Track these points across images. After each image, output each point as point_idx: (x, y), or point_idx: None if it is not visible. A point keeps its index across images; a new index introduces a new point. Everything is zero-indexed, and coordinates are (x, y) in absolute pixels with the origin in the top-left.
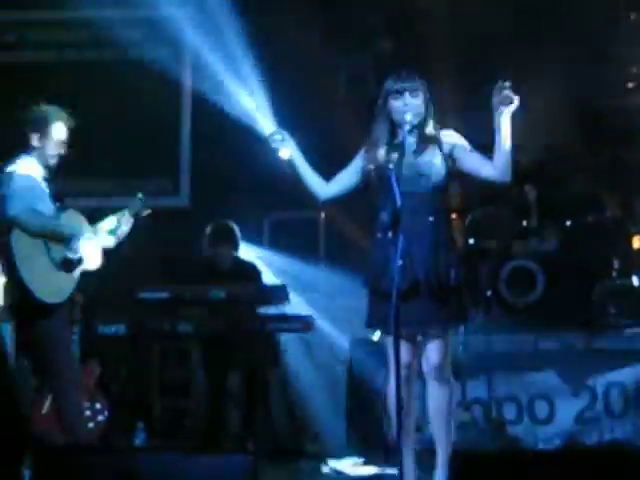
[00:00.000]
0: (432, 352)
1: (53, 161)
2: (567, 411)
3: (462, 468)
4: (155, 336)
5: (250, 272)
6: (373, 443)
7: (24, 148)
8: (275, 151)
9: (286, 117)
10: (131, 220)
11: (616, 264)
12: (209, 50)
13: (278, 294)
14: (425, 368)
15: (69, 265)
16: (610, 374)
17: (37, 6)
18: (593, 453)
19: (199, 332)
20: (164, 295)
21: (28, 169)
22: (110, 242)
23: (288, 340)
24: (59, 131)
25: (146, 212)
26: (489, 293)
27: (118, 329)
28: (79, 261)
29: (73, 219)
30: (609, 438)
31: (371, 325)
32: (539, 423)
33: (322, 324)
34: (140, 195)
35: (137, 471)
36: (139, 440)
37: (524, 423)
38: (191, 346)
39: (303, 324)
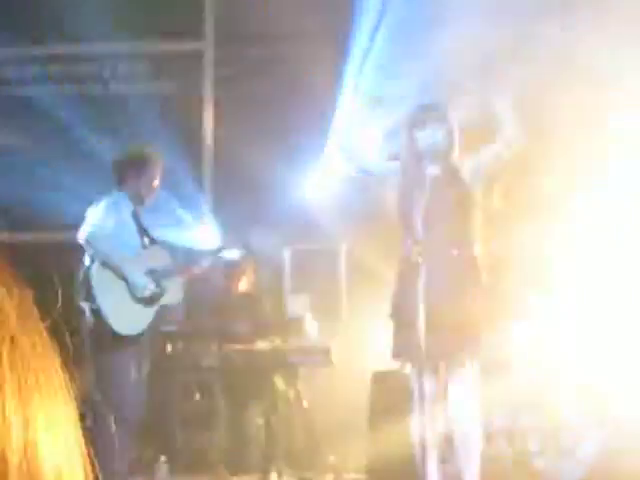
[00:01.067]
0: (456, 383)
1: (147, 199)
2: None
3: None
4: (177, 369)
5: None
6: (396, 475)
7: (118, 185)
8: None
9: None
10: (209, 260)
11: None
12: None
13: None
14: (450, 399)
15: (149, 298)
16: None
17: (56, 40)
18: None
19: (221, 365)
20: (187, 329)
21: (115, 203)
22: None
23: (309, 371)
24: (157, 171)
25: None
26: None
27: None
28: (159, 295)
29: (156, 255)
30: None
31: (396, 356)
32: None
33: (343, 356)
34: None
35: None
36: (161, 474)
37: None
38: (213, 379)
39: (323, 357)
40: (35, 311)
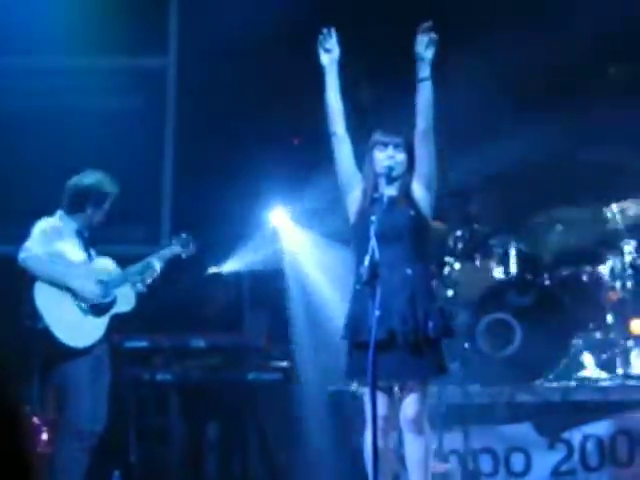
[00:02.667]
0: (409, 404)
1: (94, 226)
2: (543, 464)
3: None
4: (133, 384)
5: (235, 321)
6: None
7: (68, 208)
8: (318, 50)
9: (272, 169)
10: (159, 264)
11: (593, 317)
12: (191, 100)
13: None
14: (402, 420)
15: (98, 309)
16: (586, 427)
17: (26, 53)
18: None
19: (178, 381)
20: (143, 344)
21: (56, 220)
22: (140, 285)
23: (267, 391)
24: (110, 202)
25: (187, 253)
26: (466, 345)
27: None
28: (109, 305)
29: (104, 265)
30: None
31: (349, 376)
32: (515, 476)
33: (301, 374)
34: (184, 236)
35: None
36: None
37: (500, 475)
38: (169, 394)
39: (284, 375)
40: None
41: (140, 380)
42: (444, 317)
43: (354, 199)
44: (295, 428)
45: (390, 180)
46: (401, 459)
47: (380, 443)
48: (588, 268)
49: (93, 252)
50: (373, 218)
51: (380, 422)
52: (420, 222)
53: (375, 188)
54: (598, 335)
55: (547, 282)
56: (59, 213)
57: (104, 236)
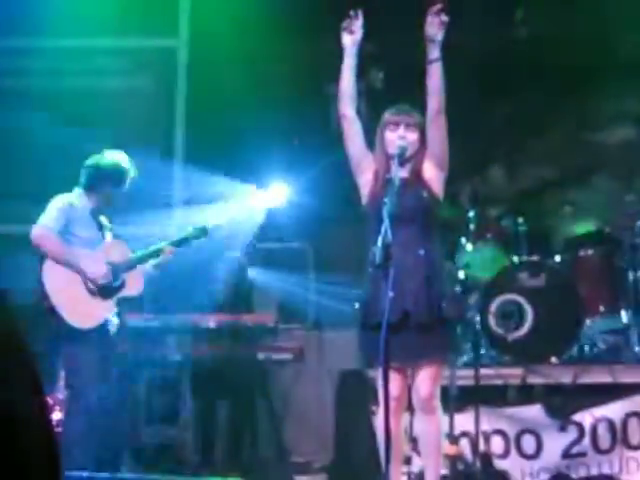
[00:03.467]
0: (421, 385)
1: (111, 205)
2: (554, 446)
3: None
4: (143, 364)
5: (245, 302)
6: (360, 475)
7: (87, 186)
8: (342, 31)
9: (278, 149)
10: (172, 249)
11: (605, 300)
12: (200, 81)
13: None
14: (414, 400)
15: (106, 291)
16: (597, 409)
17: (35, 34)
18: None
19: (187, 361)
20: (154, 324)
21: (73, 197)
22: (151, 269)
23: (277, 370)
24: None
25: (200, 237)
26: (478, 326)
27: None
28: (118, 288)
29: (116, 247)
30: (596, 473)
31: (363, 357)
32: (526, 458)
33: (311, 355)
34: (201, 226)
35: None
36: (125, 469)
37: (511, 457)
38: (180, 375)
39: (293, 354)
40: None
41: (150, 360)
42: (457, 298)
43: (366, 181)
44: (305, 408)
45: (402, 161)
46: (412, 441)
47: (392, 424)
48: (600, 250)
49: (108, 233)
50: (385, 200)
51: (392, 403)
52: (432, 203)
53: (387, 169)
54: (610, 317)
55: (559, 264)
56: (77, 191)
57: (120, 218)
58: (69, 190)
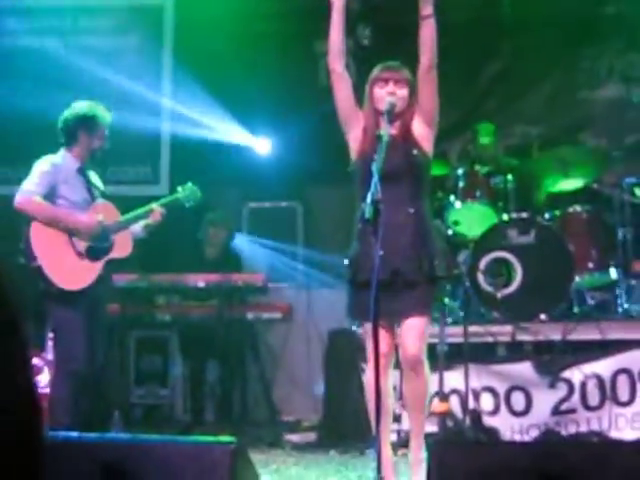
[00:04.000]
0: (408, 341)
1: (95, 155)
2: (544, 403)
3: (440, 456)
4: (132, 325)
5: (235, 261)
6: (349, 432)
7: (65, 142)
8: None
9: (266, 107)
10: (161, 210)
11: (594, 257)
12: (188, 39)
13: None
14: (401, 356)
15: (94, 253)
16: (587, 366)
17: None
18: (570, 445)
19: (177, 321)
20: (142, 284)
21: (57, 158)
22: (140, 231)
23: (266, 329)
24: (105, 129)
25: (191, 203)
26: (467, 284)
27: None
28: (106, 250)
29: (104, 209)
30: (585, 430)
31: (351, 315)
32: (516, 415)
33: (300, 314)
34: (190, 185)
35: (116, 460)
36: (116, 429)
37: (501, 414)
38: (168, 335)
39: (282, 313)
40: None
41: (139, 321)
42: (447, 256)
43: (355, 137)
44: (295, 367)
45: (391, 117)
46: (401, 399)
47: (381, 381)
48: (589, 207)
49: (96, 193)
50: (375, 157)
51: (381, 360)
52: (422, 160)
53: (376, 126)
54: (599, 274)
55: (548, 221)
56: (61, 151)
57: (102, 176)
58: (53, 152)
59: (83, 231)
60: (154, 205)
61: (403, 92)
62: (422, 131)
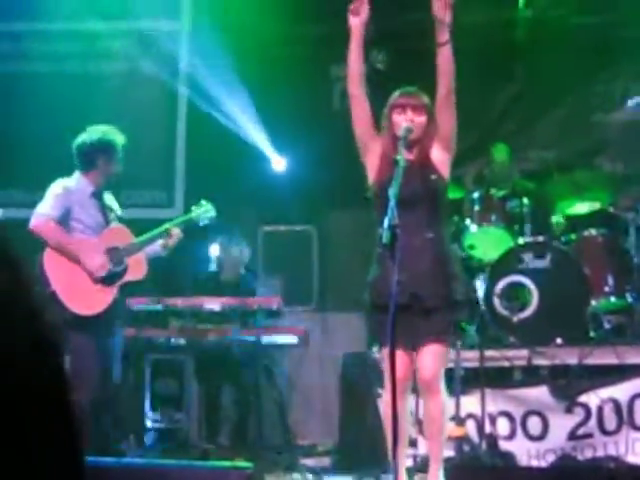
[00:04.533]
0: (426, 365)
1: (111, 179)
2: (560, 427)
3: None
4: (147, 348)
5: (250, 284)
6: (365, 457)
7: (82, 167)
8: (348, 11)
9: (281, 130)
10: (177, 231)
11: (610, 281)
12: (204, 64)
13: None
14: (419, 380)
15: (108, 277)
16: (603, 390)
17: (36, 17)
18: (586, 470)
19: (192, 345)
20: (158, 307)
21: (71, 181)
22: (159, 250)
23: (281, 353)
24: (120, 153)
25: (206, 221)
26: (483, 308)
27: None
28: (120, 273)
29: (118, 232)
30: (602, 455)
31: (370, 338)
32: (532, 439)
33: (315, 338)
34: (204, 203)
35: None
36: (131, 453)
37: (517, 439)
38: (184, 358)
39: (297, 337)
40: None
41: (154, 344)
42: (465, 281)
43: (373, 162)
44: (310, 391)
45: (407, 143)
46: (418, 424)
47: (398, 405)
48: (605, 230)
49: (111, 216)
50: (393, 182)
51: (399, 384)
52: (440, 185)
53: (394, 151)
54: (615, 298)
55: (564, 245)
56: (75, 174)
57: (118, 199)
58: (68, 176)
59: (88, 272)
60: (168, 225)
61: (421, 119)
62: (440, 156)
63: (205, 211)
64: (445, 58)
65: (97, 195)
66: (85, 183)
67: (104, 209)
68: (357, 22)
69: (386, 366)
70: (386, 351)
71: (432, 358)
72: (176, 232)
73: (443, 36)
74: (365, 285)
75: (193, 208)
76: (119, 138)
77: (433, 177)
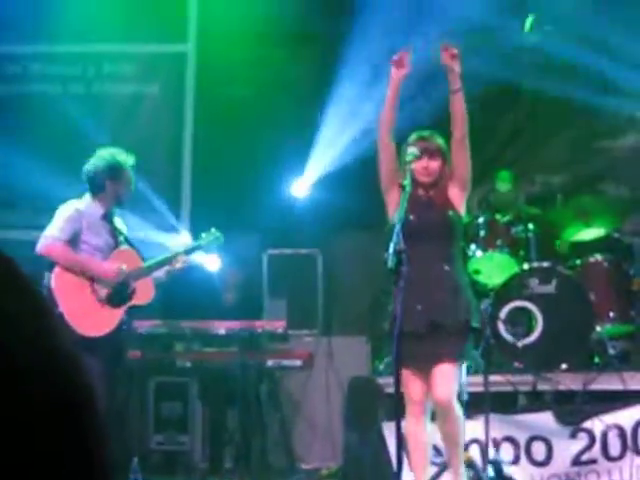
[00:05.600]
0: (438, 385)
1: (121, 201)
2: (564, 453)
3: None
4: (152, 371)
5: (254, 307)
6: (369, 479)
7: (92, 191)
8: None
9: (287, 151)
10: (184, 257)
11: (615, 307)
12: (210, 85)
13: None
14: (432, 401)
15: (116, 300)
16: (608, 416)
17: (40, 39)
18: None
19: (197, 367)
20: (163, 330)
21: (82, 203)
22: (162, 275)
23: (286, 377)
24: (130, 175)
25: (213, 248)
26: (488, 333)
27: None
28: (128, 296)
29: (127, 255)
30: None
31: (375, 363)
32: (536, 465)
33: (320, 362)
34: (213, 231)
35: None
36: (134, 475)
37: (521, 464)
38: (188, 381)
39: (302, 361)
40: None
41: (159, 367)
42: (479, 308)
43: (392, 198)
44: (314, 415)
45: (426, 186)
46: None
47: (416, 430)
48: (610, 256)
49: (121, 238)
50: (411, 217)
51: (415, 407)
52: (456, 221)
53: (414, 189)
54: (620, 324)
55: (569, 270)
56: (86, 196)
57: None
58: (74, 197)
59: (104, 278)
60: (176, 252)
61: (435, 164)
62: (456, 194)
63: (214, 239)
64: (458, 105)
65: (107, 217)
66: (95, 206)
67: (114, 231)
68: (400, 74)
69: (407, 391)
70: (404, 373)
71: (444, 378)
72: (183, 259)
73: (455, 84)
74: (371, 311)
75: (203, 235)
76: (126, 159)
77: (450, 213)
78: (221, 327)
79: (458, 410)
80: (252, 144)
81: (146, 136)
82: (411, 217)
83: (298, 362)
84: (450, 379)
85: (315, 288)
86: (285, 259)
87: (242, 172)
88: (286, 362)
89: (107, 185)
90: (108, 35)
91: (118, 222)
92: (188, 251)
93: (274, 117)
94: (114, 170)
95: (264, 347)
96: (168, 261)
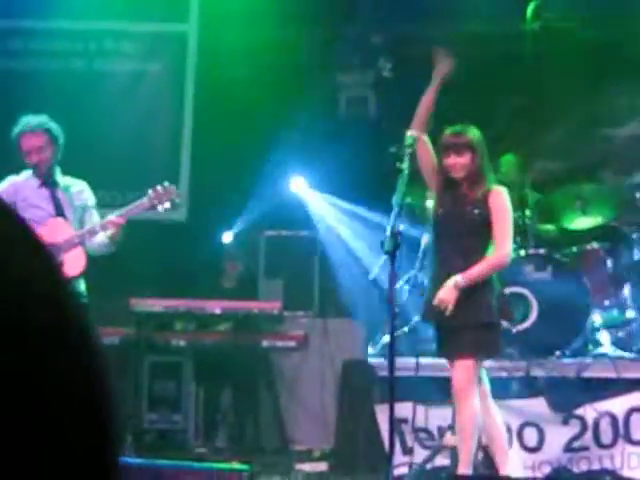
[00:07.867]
0: (454, 376)
1: (35, 168)
2: (556, 439)
3: None
4: (147, 350)
5: (251, 292)
6: (361, 463)
7: (24, 157)
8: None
9: (287, 136)
10: (118, 219)
11: (611, 294)
12: (212, 66)
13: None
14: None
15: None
16: (600, 404)
17: (43, 15)
18: None
19: (192, 347)
20: (158, 309)
21: (22, 176)
22: (107, 242)
23: (281, 358)
24: (24, 142)
25: (164, 206)
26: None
27: (112, 341)
28: None
29: (54, 226)
30: (598, 468)
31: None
32: (528, 450)
33: (315, 343)
34: (165, 185)
35: None
36: (127, 454)
37: (513, 449)
38: (183, 360)
39: (297, 342)
40: None
41: (154, 346)
42: (506, 302)
43: (431, 195)
44: (308, 396)
45: (458, 181)
46: (415, 432)
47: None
48: (607, 244)
49: (67, 208)
50: (439, 211)
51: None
52: (481, 220)
53: (442, 187)
54: (615, 312)
55: (565, 257)
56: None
57: (122, 200)
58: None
59: None
60: (110, 216)
61: (463, 160)
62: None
63: (162, 195)
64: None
65: (48, 186)
66: (29, 175)
67: (54, 200)
68: (442, 74)
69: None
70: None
71: (459, 370)
72: (114, 220)
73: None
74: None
75: (149, 191)
76: (50, 126)
77: (476, 212)
78: (216, 307)
79: (471, 401)
80: (252, 124)
81: (146, 114)
82: (439, 211)
83: (293, 343)
84: (464, 370)
85: (312, 270)
86: (283, 240)
87: (242, 151)
88: (281, 343)
89: (32, 150)
90: (110, 12)
91: (76, 190)
92: (125, 213)
93: (275, 97)
94: (14, 139)
95: (259, 327)
96: (101, 228)
